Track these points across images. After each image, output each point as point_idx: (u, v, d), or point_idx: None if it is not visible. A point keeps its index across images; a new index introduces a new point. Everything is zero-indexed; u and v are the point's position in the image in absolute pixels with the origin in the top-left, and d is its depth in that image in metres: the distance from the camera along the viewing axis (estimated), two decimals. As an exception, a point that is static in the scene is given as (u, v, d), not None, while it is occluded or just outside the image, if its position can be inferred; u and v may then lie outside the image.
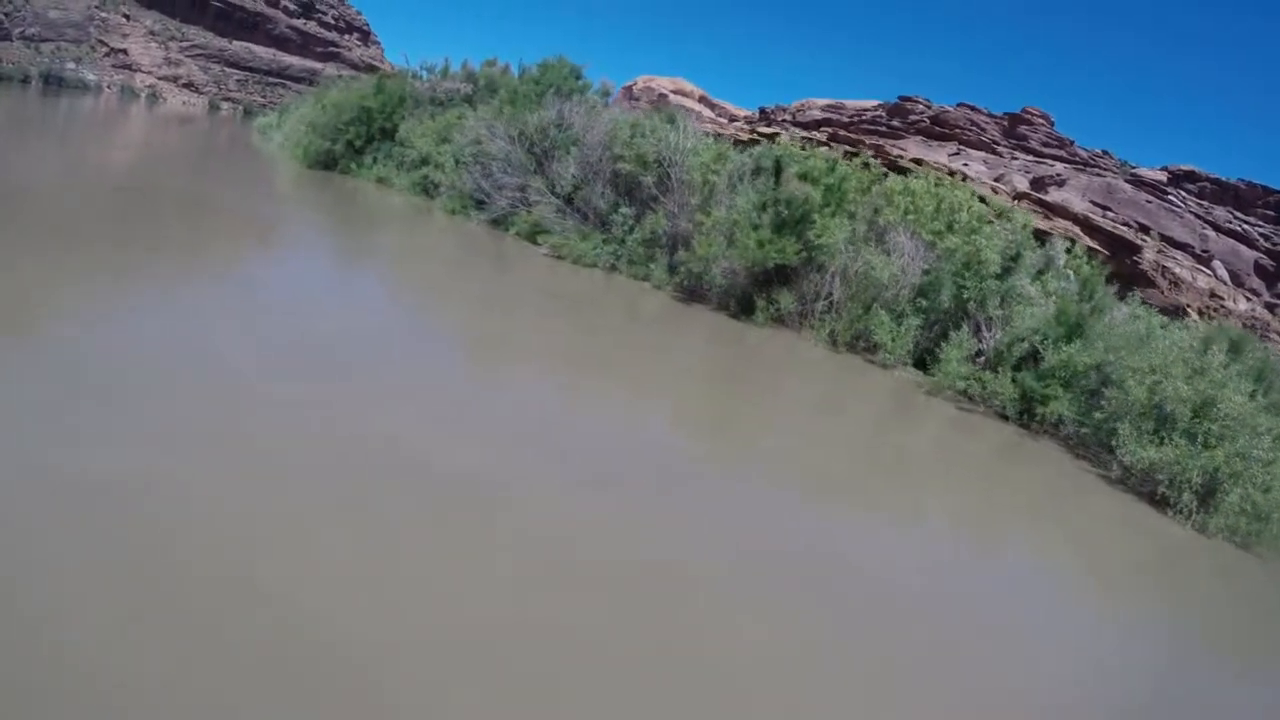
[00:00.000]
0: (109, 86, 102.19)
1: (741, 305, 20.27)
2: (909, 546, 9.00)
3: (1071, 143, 48.63)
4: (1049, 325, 16.78)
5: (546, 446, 8.93)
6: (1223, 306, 32.85)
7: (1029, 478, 13.75)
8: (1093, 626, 8.20)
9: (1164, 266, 33.82)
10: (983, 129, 49.97)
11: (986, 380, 16.38)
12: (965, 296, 18.24)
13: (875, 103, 55.75)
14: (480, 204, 28.36)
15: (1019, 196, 36.51)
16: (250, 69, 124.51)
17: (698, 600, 6.36)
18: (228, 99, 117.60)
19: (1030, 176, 42.62)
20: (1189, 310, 31.39)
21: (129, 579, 4.90)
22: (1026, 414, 15.91)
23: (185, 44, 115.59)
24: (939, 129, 49.81)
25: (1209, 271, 36.30)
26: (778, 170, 21.42)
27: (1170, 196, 40.77)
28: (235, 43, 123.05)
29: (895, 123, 51.95)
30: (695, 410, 12.82)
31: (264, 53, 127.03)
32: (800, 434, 12.47)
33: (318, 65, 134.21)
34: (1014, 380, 16.19)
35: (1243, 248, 38.74)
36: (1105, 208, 39.90)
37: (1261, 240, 39.13)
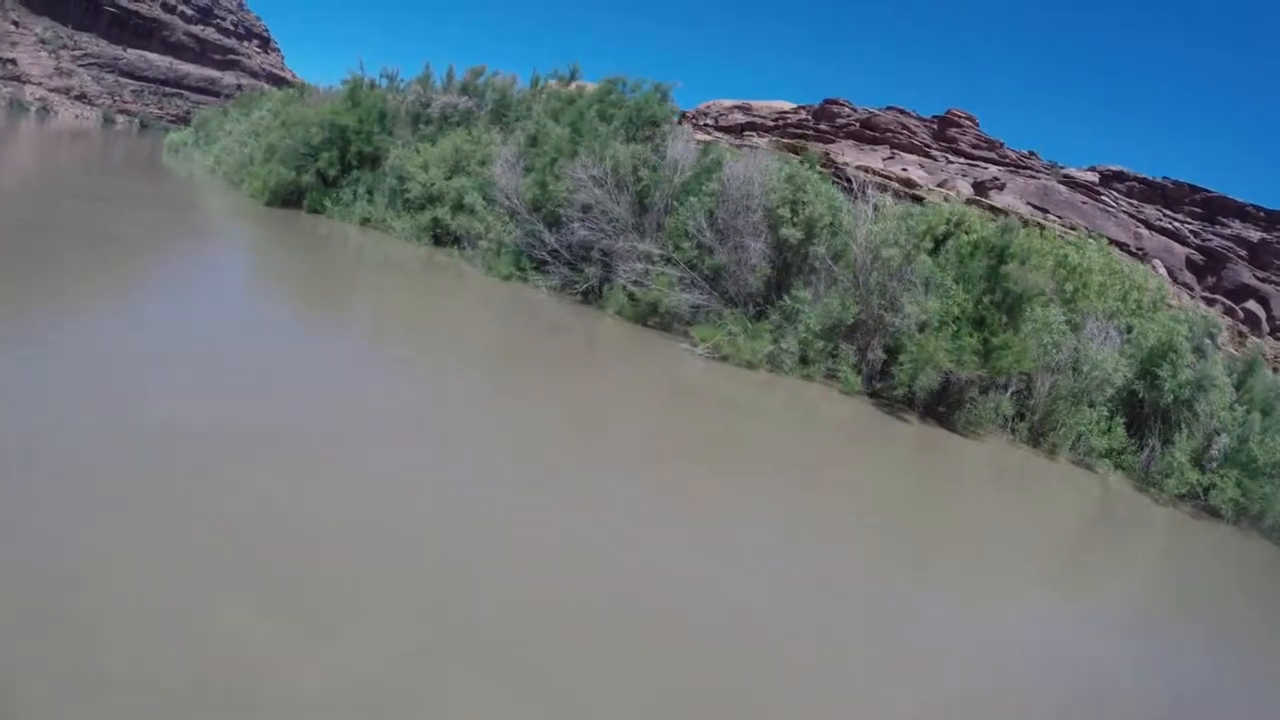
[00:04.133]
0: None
1: (957, 410, 17.19)
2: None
3: (1001, 144, 49.35)
4: (1257, 417, 16.19)
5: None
6: (1167, 304, 34.24)
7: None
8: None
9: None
10: (913, 132, 50.40)
11: (1225, 486, 15.30)
12: (1165, 388, 16.77)
13: (790, 105, 55.31)
14: (541, 266, 22.73)
15: (969, 202, 37.26)
16: (146, 79, 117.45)
17: None
18: (123, 111, 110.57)
19: (970, 181, 43.58)
20: (1137, 310, 32.55)
21: None
22: (1239, 511, 15.36)
23: (77, 53, 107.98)
24: (870, 133, 49.96)
25: (1150, 270, 37.90)
26: (946, 237, 18.74)
27: (1103, 197, 42.20)
28: (130, 51, 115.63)
29: (823, 126, 52.01)
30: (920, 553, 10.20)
31: (160, 61, 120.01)
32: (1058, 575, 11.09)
33: (216, 74, 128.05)
34: (1238, 483, 15.30)
35: (1175, 245, 40.13)
36: (1044, 210, 40.81)
37: (1192, 237, 40.54)
